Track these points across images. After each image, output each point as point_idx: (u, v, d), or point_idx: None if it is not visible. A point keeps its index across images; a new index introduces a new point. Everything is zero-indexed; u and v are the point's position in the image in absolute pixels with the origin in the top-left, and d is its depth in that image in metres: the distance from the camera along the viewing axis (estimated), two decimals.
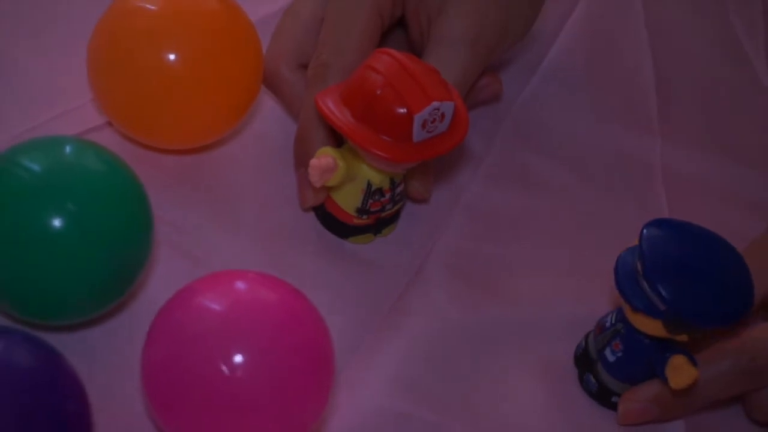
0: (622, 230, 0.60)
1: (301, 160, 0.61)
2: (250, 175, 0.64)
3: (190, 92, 0.59)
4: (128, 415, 0.53)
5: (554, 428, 0.57)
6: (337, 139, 0.60)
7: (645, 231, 0.54)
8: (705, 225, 0.56)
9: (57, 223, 0.50)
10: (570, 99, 0.73)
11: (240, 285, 0.50)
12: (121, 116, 0.61)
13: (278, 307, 0.50)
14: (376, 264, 0.62)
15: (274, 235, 0.62)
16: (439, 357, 0.58)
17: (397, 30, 0.67)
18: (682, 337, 0.54)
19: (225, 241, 0.60)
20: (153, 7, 0.59)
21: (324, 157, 0.56)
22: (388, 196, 0.60)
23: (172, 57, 0.58)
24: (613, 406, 0.58)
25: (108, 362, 0.54)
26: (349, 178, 0.58)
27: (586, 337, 0.59)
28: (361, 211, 0.60)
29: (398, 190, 0.60)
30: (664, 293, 0.52)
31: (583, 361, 0.59)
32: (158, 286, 0.57)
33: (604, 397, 0.58)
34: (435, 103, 0.55)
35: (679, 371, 0.54)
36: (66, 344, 0.51)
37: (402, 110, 0.55)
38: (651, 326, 0.54)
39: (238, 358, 0.47)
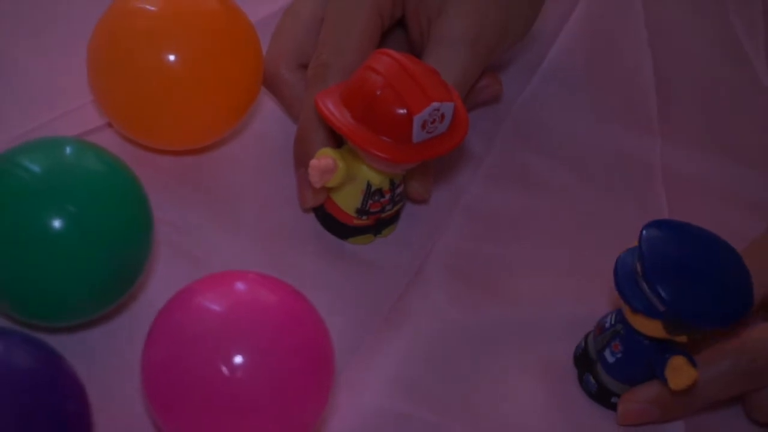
0: (622, 230, 0.60)
1: (301, 161, 0.61)
2: (250, 176, 0.64)
3: (189, 93, 0.59)
4: (128, 416, 0.53)
5: (554, 428, 0.57)
6: (336, 139, 0.60)
7: (644, 232, 0.54)
8: (705, 225, 0.56)
9: (57, 224, 0.50)
10: (570, 99, 0.73)
11: (240, 286, 0.50)
12: (121, 117, 0.61)
13: (278, 307, 0.50)
14: (375, 265, 0.62)
15: (274, 235, 0.62)
16: (439, 357, 0.58)
17: (397, 30, 0.67)
18: (682, 338, 0.54)
19: (225, 241, 0.60)
20: (153, 8, 0.59)
21: (324, 158, 0.56)
22: (387, 196, 0.60)
23: (171, 58, 0.58)
24: (613, 407, 0.58)
25: (108, 363, 0.54)
26: (348, 178, 0.58)
27: (586, 337, 0.59)
28: (361, 211, 0.60)
29: (398, 190, 0.60)
30: (663, 294, 0.52)
31: (583, 361, 0.59)
32: (158, 287, 0.57)
33: (603, 398, 0.58)
34: (435, 104, 0.55)
35: (679, 372, 0.54)
36: (66, 345, 0.51)
37: (402, 111, 0.55)
38: (650, 327, 0.54)
39: (238, 359, 0.47)
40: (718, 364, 0.56)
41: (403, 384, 0.57)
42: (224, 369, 0.47)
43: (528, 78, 0.74)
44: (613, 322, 0.57)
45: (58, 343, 0.50)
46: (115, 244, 0.52)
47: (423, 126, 0.55)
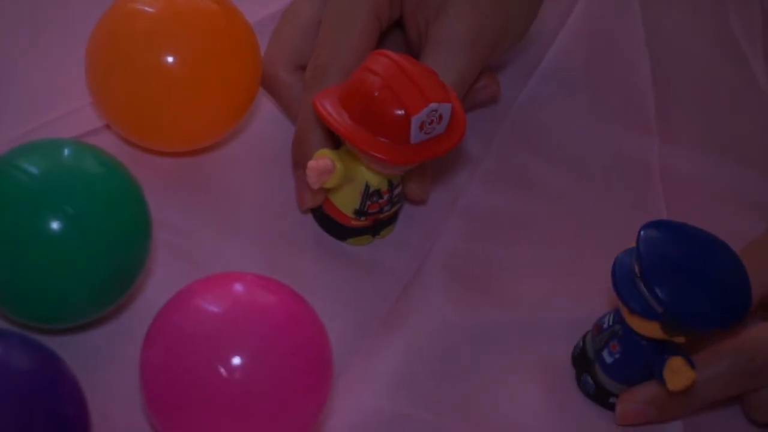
0: (621, 231, 0.60)
1: (299, 162, 0.61)
2: (249, 177, 0.64)
3: (188, 94, 0.59)
4: (127, 417, 0.53)
5: (553, 429, 0.57)
6: (335, 140, 0.60)
7: (642, 232, 0.54)
8: (703, 226, 0.56)
9: (55, 225, 0.50)
10: (568, 99, 0.73)
11: (238, 287, 0.50)
12: (120, 118, 0.61)
13: (276, 308, 0.50)
14: (374, 266, 0.62)
15: (273, 237, 0.62)
16: (437, 358, 0.58)
17: (395, 31, 0.67)
18: (680, 339, 0.54)
19: (223, 243, 0.61)
20: (151, 10, 0.59)
21: (322, 159, 0.56)
22: (386, 197, 0.60)
23: (170, 59, 0.58)
24: (611, 407, 0.58)
25: (106, 365, 0.54)
26: (347, 179, 0.58)
27: (584, 337, 0.59)
28: (359, 212, 0.60)
29: (396, 191, 0.60)
30: (661, 295, 0.52)
31: (581, 361, 0.59)
32: (156, 289, 0.57)
33: (601, 398, 0.58)
34: (433, 105, 0.55)
35: (677, 373, 0.54)
36: (64, 347, 0.51)
37: (399, 112, 0.55)
38: (648, 328, 0.54)
39: (236, 360, 0.47)
40: (716, 364, 0.56)
41: (402, 385, 0.57)
42: (222, 370, 0.47)
43: (526, 79, 0.73)
44: (611, 323, 0.57)
45: (57, 344, 0.50)
46: (114, 245, 0.52)
47: (421, 127, 0.55)
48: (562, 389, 0.59)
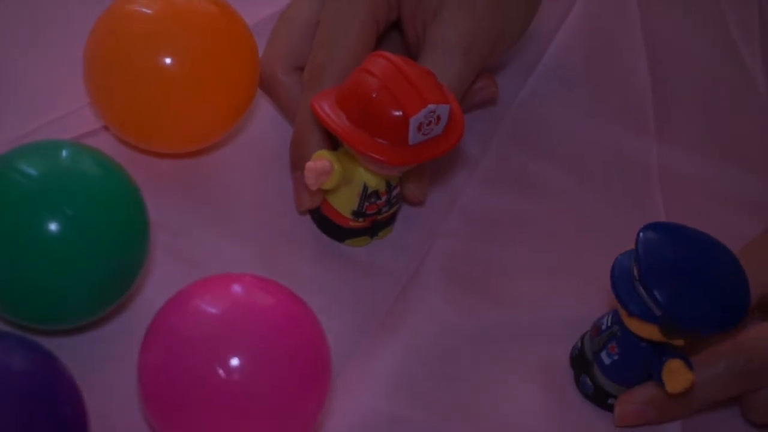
0: (620, 231, 0.60)
1: (297, 164, 0.61)
2: (247, 179, 0.64)
3: (186, 95, 0.59)
4: (125, 418, 0.53)
5: (552, 430, 0.57)
6: (333, 142, 0.60)
7: (641, 234, 0.54)
8: (703, 227, 0.56)
9: (53, 227, 0.50)
10: (567, 100, 0.73)
11: (236, 288, 0.50)
12: (118, 119, 0.61)
13: (275, 309, 0.50)
14: (372, 267, 0.62)
15: (271, 238, 0.62)
16: (436, 360, 0.58)
17: (393, 33, 0.67)
18: (679, 342, 0.54)
19: (221, 244, 0.60)
20: (149, 11, 0.59)
21: (320, 160, 0.56)
22: (384, 198, 0.60)
23: (168, 60, 0.58)
24: (609, 408, 0.58)
25: (104, 366, 0.54)
26: (345, 181, 0.58)
27: (582, 338, 0.59)
28: (357, 213, 0.60)
29: (394, 192, 0.60)
30: (660, 298, 0.52)
31: (579, 362, 0.59)
32: (154, 290, 0.57)
33: (600, 399, 0.58)
34: (431, 106, 0.55)
35: (676, 375, 0.54)
36: (62, 348, 0.51)
37: (397, 113, 0.55)
38: (647, 331, 0.54)
39: (234, 361, 0.47)
40: (714, 365, 0.56)
41: (400, 387, 0.57)
42: (221, 371, 0.47)
43: (524, 79, 0.73)
44: (609, 324, 0.57)
45: (55, 345, 0.50)
46: (112, 246, 0.52)
47: (419, 128, 0.55)
48: (561, 390, 0.59)
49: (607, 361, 0.57)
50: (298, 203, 0.61)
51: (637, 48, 0.77)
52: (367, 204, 0.59)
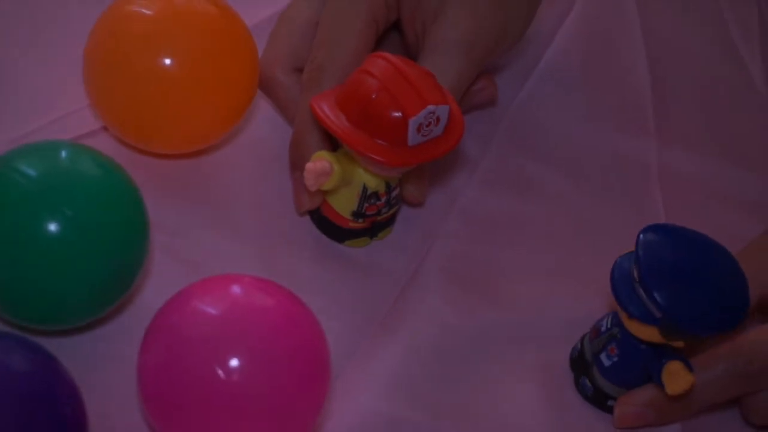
0: (619, 232, 0.60)
1: (297, 164, 0.61)
2: (246, 180, 0.64)
3: (186, 96, 0.59)
4: (124, 418, 0.53)
5: (552, 431, 0.57)
6: (332, 143, 0.60)
7: (641, 236, 0.54)
8: (702, 226, 0.56)
9: (53, 227, 0.50)
10: (566, 100, 0.73)
11: (236, 289, 0.50)
12: (118, 120, 0.61)
13: (274, 310, 0.50)
14: (372, 268, 0.62)
15: (270, 239, 0.62)
16: (435, 361, 0.58)
17: (393, 34, 0.67)
18: (679, 344, 0.54)
19: (221, 245, 0.60)
20: (149, 12, 0.59)
21: (319, 161, 0.56)
22: (383, 199, 0.60)
23: (168, 61, 0.58)
24: (609, 410, 0.58)
25: (104, 366, 0.54)
26: (344, 181, 0.58)
27: (582, 339, 0.59)
28: (357, 214, 0.60)
29: (394, 193, 0.60)
30: (660, 301, 0.52)
31: (579, 363, 0.59)
32: (154, 291, 0.57)
33: (599, 401, 0.58)
34: (430, 107, 0.55)
35: (676, 377, 0.54)
36: (62, 349, 0.51)
37: (397, 114, 0.55)
38: (647, 333, 0.54)
39: (234, 362, 0.47)
40: (714, 367, 0.56)
41: (400, 387, 0.57)
42: (220, 372, 0.47)
43: (524, 80, 0.73)
44: (609, 326, 0.57)
45: (54, 346, 0.50)
46: (112, 247, 0.52)
47: (418, 129, 0.55)
48: (560, 392, 0.59)
49: (606, 362, 0.57)
50: (298, 204, 0.61)
51: (635, 47, 0.77)
52: (366, 205, 0.59)
